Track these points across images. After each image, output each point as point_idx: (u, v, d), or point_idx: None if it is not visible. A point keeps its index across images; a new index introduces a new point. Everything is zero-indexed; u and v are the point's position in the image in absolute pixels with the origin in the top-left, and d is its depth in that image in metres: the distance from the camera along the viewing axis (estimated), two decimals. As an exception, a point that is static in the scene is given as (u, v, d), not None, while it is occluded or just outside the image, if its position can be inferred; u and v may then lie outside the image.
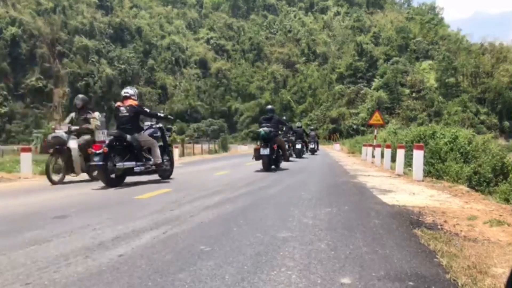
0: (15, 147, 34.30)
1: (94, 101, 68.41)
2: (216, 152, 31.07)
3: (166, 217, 4.01)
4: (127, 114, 7.23)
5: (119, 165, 6.78)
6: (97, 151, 6.48)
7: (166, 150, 7.97)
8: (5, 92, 64.96)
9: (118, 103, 7.52)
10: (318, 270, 2.37)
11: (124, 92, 7.51)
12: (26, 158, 9.19)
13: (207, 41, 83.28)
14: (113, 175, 6.76)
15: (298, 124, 21.18)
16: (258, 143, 10.43)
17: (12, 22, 68.87)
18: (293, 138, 17.43)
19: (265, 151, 9.99)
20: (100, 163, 6.45)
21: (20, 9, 71.99)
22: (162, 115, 8.10)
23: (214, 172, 10.38)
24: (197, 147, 30.32)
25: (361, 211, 4.56)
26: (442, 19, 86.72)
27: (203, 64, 78.13)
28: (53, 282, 2.15)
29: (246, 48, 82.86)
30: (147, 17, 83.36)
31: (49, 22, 73.14)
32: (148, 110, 7.75)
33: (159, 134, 7.84)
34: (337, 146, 40.10)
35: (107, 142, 6.75)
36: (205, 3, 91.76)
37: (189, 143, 32.22)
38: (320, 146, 30.36)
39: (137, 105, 7.37)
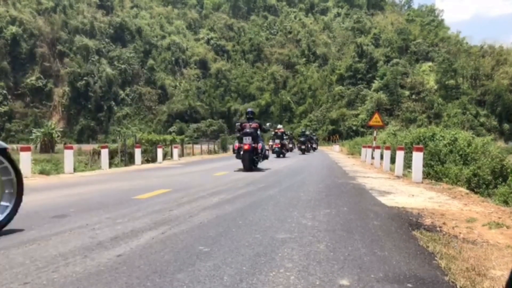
0: (14, 146, 34.25)
1: (94, 101, 68.45)
2: (215, 152, 31.07)
3: (165, 217, 4.01)
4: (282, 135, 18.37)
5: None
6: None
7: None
8: (5, 91, 64.91)
9: (277, 130, 18.46)
10: (317, 272, 2.37)
11: (278, 128, 17.93)
12: (25, 158, 9.19)
13: (207, 42, 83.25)
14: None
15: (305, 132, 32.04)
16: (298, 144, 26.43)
17: (13, 21, 68.82)
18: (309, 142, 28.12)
19: (303, 147, 25.49)
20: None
21: (20, 8, 71.94)
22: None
23: (213, 173, 10.39)
24: (197, 147, 30.32)
25: (360, 212, 4.57)
26: (442, 21, 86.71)
27: (203, 64, 78.09)
28: (52, 281, 2.15)
29: (246, 49, 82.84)
30: (148, 17, 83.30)
31: (49, 22, 73.10)
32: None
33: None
34: (336, 147, 40.10)
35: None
36: (206, 4, 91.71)
37: (189, 143, 32.20)
38: (320, 147, 40.60)
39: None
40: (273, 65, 79.24)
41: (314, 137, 35.57)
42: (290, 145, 26.34)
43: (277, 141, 19.62)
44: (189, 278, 2.22)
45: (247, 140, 10.79)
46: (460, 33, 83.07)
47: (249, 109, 12.66)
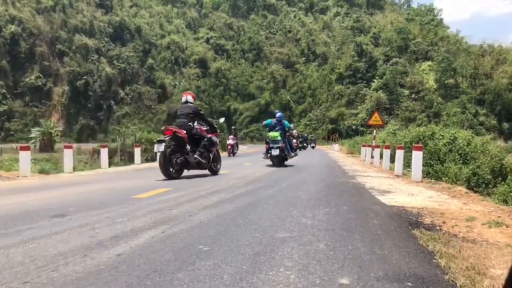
0: (14, 145, 34.23)
1: (93, 100, 68.39)
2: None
3: (165, 216, 4.01)
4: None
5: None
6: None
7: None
8: (4, 91, 64.84)
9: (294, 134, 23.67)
10: (317, 270, 2.37)
11: (295, 132, 25.08)
12: (25, 157, 9.18)
13: (207, 41, 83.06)
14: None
15: (304, 134, 40.41)
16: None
17: (12, 20, 68.68)
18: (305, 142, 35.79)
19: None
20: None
21: (19, 7, 71.78)
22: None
23: (213, 172, 10.37)
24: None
25: (360, 211, 4.57)
26: (441, 20, 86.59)
27: (202, 63, 77.92)
28: (52, 280, 2.15)
29: (246, 48, 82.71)
30: (147, 16, 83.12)
31: (48, 21, 72.95)
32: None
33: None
34: (336, 146, 40.11)
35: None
36: (205, 3, 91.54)
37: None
38: (319, 146, 44.13)
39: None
40: (273, 64, 79.13)
41: (313, 138, 45.13)
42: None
43: (294, 140, 26.76)
44: (189, 277, 2.22)
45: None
46: (459, 32, 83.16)
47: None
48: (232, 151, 21.51)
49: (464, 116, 58.77)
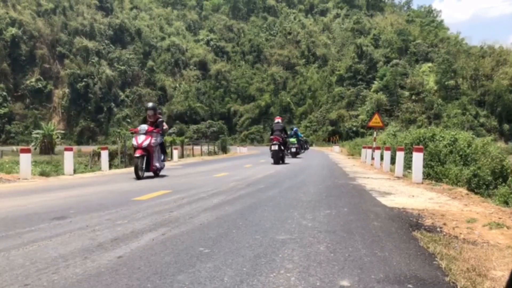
0: (14, 147, 34.26)
1: (94, 102, 68.45)
2: (215, 153, 31.07)
3: (165, 218, 4.01)
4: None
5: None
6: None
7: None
8: (4, 93, 64.94)
9: (300, 138, 26.38)
10: (317, 273, 2.37)
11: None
12: (25, 159, 9.18)
13: (207, 43, 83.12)
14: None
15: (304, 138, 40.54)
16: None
17: (12, 23, 68.85)
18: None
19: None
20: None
21: (20, 10, 71.96)
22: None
23: (214, 174, 10.38)
24: (197, 148, 30.30)
25: (360, 213, 4.56)
26: (441, 21, 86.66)
27: (202, 65, 77.96)
28: (52, 283, 2.15)
29: (246, 50, 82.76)
30: (147, 18, 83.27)
31: (49, 23, 73.12)
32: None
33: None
34: (336, 148, 40.10)
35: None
36: (205, 5, 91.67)
37: (189, 144, 32.19)
38: (320, 148, 45.28)
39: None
40: (273, 66, 79.15)
41: (307, 140, 47.43)
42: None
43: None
44: (189, 280, 2.22)
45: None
46: (459, 33, 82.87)
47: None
48: (150, 165, 9.09)
49: (464, 118, 58.72)
